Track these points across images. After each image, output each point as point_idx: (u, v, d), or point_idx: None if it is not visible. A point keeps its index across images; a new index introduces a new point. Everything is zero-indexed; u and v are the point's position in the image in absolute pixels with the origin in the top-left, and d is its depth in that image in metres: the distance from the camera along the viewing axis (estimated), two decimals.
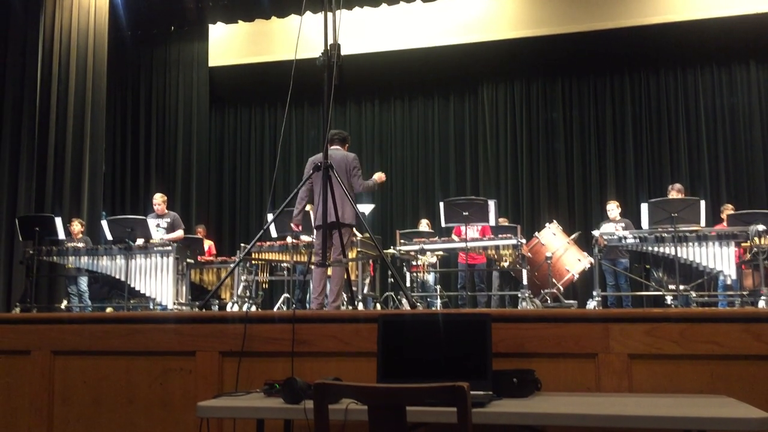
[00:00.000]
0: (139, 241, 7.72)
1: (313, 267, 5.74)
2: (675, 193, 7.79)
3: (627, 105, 11.02)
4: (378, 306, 7.91)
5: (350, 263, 6.99)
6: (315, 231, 5.65)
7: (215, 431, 2.87)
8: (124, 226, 7.59)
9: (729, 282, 7.22)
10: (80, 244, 8.19)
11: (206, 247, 9.36)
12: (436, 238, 8.18)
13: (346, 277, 5.32)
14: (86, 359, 3.17)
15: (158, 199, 8.51)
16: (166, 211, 8.51)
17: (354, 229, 6.03)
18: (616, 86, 11.14)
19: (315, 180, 5.39)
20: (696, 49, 10.64)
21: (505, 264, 7.77)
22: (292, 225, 6.06)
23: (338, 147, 5.75)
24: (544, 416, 2.08)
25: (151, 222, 8.03)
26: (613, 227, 8.12)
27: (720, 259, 6.81)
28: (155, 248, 7.59)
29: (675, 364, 2.61)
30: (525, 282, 7.38)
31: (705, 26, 10.25)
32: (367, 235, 6.81)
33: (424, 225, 9.48)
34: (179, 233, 8.36)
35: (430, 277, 9.06)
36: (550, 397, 2.40)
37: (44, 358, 3.21)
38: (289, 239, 7.64)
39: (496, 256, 7.78)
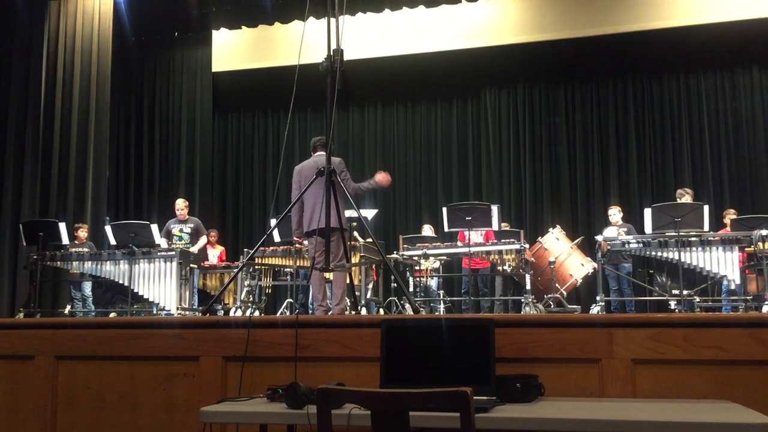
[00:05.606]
0: (163, 245, 7.83)
1: (313, 274, 5.77)
2: (688, 197, 7.79)
3: (630, 109, 11.00)
4: (381, 311, 7.90)
5: (353, 268, 6.99)
6: (307, 238, 5.70)
7: None
8: (128, 231, 7.62)
9: (733, 287, 7.21)
10: (84, 249, 8.21)
11: (218, 253, 9.37)
12: (439, 243, 8.17)
13: (348, 281, 5.32)
14: (90, 364, 3.18)
15: (180, 204, 8.55)
16: (188, 216, 8.58)
17: (356, 233, 6.06)
18: (619, 91, 11.13)
19: (303, 187, 5.45)
20: (699, 54, 10.62)
21: (509, 269, 7.76)
22: (295, 238, 6.10)
23: (322, 153, 5.79)
24: (548, 421, 2.07)
25: (174, 227, 8.13)
26: (615, 231, 8.11)
27: (724, 263, 6.81)
28: (158, 253, 7.61)
29: (679, 369, 2.60)
30: (528, 287, 7.36)
31: (708, 31, 10.24)
32: (370, 239, 6.81)
33: (427, 230, 9.48)
34: (204, 240, 8.51)
35: (434, 282, 9.05)
36: (553, 402, 2.39)
37: (48, 364, 3.21)
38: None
39: (499, 261, 7.77)
